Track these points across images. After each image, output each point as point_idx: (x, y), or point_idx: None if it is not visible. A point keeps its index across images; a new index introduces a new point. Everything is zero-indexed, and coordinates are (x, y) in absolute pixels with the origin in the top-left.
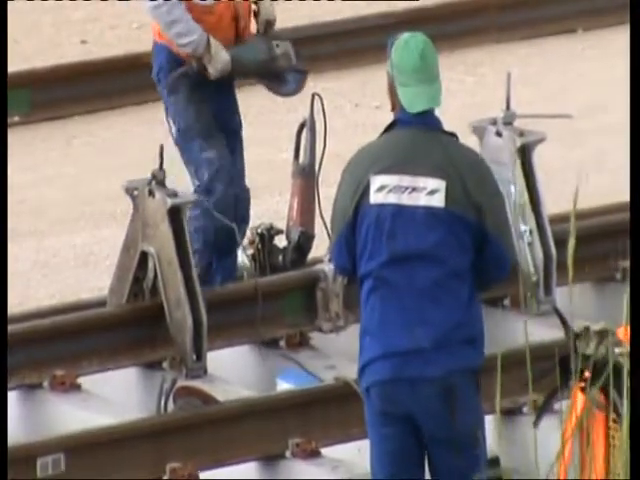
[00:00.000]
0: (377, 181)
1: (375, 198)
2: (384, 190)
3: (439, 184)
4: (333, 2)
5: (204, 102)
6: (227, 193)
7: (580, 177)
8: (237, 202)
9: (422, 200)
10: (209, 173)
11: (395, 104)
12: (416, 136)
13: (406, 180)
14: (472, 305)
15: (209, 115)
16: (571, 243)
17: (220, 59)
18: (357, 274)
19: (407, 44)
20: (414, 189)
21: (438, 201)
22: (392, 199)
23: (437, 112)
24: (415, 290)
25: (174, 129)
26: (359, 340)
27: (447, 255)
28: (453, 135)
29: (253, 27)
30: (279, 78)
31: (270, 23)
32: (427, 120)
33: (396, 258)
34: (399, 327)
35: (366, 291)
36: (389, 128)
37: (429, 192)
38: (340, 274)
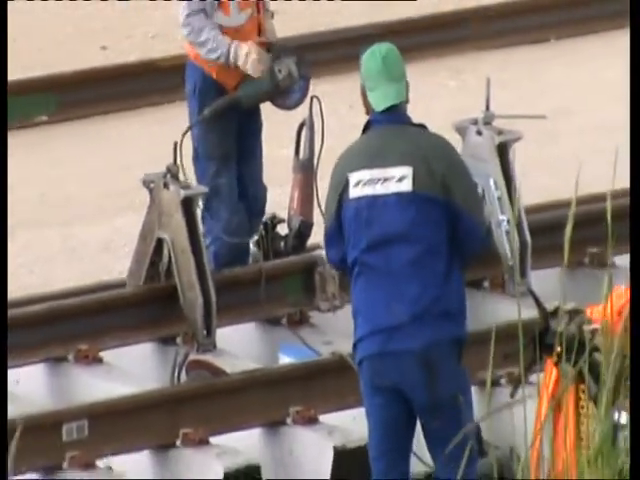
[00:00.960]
0: (353, 178)
1: (353, 193)
2: (360, 185)
3: (406, 170)
4: (329, 15)
5: (228, 125)
6: (231, 220)
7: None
8: (254, 199)
9: (393, 187)
10: (216, 200)
11: (367, 108)
12: (385, 132)
13: (377, 172)
14: (450, 280)
15: (230, 141)
16: (568, 228)
17: (253, 58)
18: (347, 263)
19: (372, 53)
20: (385, 179)
21: (406, 186)
22: (367, 191)
23: (423, 113)
24: (393, 270)
25: (194, 147)
26: (353, 320)
27: (420, 234)
28: (422, 126)
29: None
30: (284, 94)
31: (272, 44)
32: (394, 117)
33: (374, 243)
34: (382, 306)
35: (354, 276)
36: (364, 130)
37: (398, 179)
38: (330, 265)
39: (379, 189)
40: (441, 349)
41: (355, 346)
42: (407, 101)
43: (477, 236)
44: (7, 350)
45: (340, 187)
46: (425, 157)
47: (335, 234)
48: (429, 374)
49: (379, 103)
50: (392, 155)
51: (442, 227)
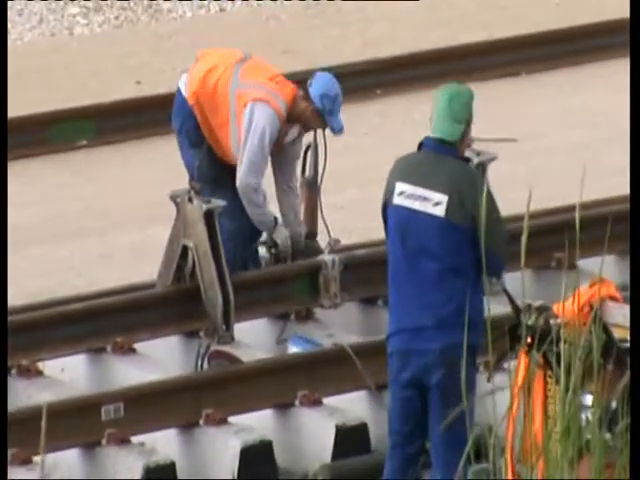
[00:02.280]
0: (399, 187)
1: (396, 200)
2: (402, 195)
3: (442, 198)
4: (331, 51)
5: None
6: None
7: (530, 189)
8: None
9: (429, 209)
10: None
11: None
12: (433, 157)
13: (419, 191)
14: (470, 295)
15: None
16: (524, 238)
17: (281, 235)
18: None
19: (444, 91)
20: (424, 199)
21: (440, 211)
22: (407, 204)
23: (412, 138)
24: (421, 280)
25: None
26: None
27: (445, 254)
28: (466, 159)
29: None
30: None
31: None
32: (443, 148)
33: (408, 252)
34: (410, 308)
35: (389, 276)
36: (419, 147)
37: (435, 203)
38: None
39: (417, 206)
40: (457, 352)
41: (387, 340)
42: (463, 141)
43: (494, 265)
44: (7, 350)
45: (388, 192)
46: (460, 189)
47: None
48: (446, 371)
49: (434, 131)
50: (434, 180)
51: (466, 251)
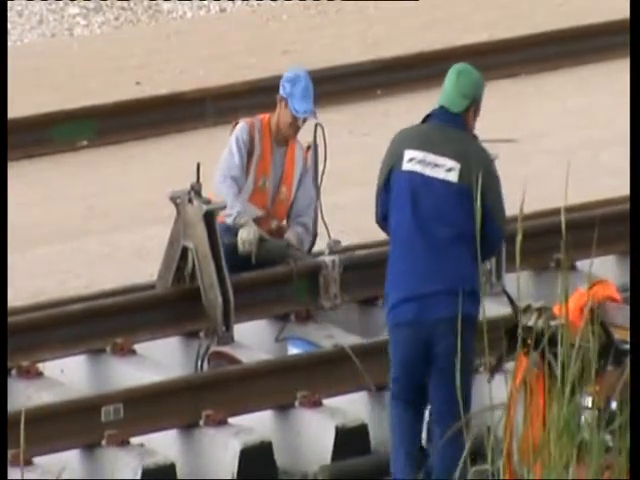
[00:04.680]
0: (408, 154)
1: (406, 166)
2: (412, 161)
3: (455, 164)
4: (331, 51)
5: None
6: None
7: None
8: None
9: (441, 175)
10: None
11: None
12: (442, 127)
13: (430, 157)
14: (474, 264)
15: None
16: (519, 239)
17: (245, 233)
18: (388, 224)
19: (454, 68)
20: (436, 165)
21: (453, 177)
22: (418, 169)
23: None
24: (433, 245)
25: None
26: (384, 288)
27: (457, 220)
28: (474, 136)
29: None
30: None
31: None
32: (452, 119)
33: (417, 217)
34: (418, 275)
35: (393, 243)
36: (424, 120)
37: (447, 169)
38: (377, 222)
39: (429, 171)
40: (466, 319)
41: (388, 313)
42: (468, 115)
43: (495, 240)
44: (7, 351)
45: (394, 158)
46: (469, 160)
47: (383, 196)
48: (454, 339)
49: (440, 101)
50: (445, 148)
51: (472, 218)
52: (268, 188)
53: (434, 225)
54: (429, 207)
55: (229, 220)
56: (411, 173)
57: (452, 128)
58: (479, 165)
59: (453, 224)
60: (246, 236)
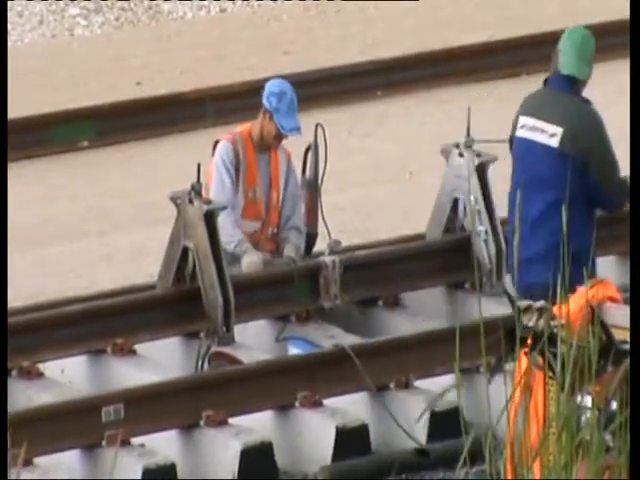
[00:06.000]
0: (522, 120)
1: (518, 133)
2: (524, 128)
3: (557, 129)
4: (331, 52)
5: None
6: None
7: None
8: None
9: (545, 139)
10: None
11: (552, 68)
12: (555, 93)
13: (539, 123)
14: (579, 228)
15: None
16: (516, 239)
17: (248, 258)
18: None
19: (574, 30)
20: (542, 131)
21: (554, 142)
22: (527, 135)
23: (414, 137)
24: (532, 209)
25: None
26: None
27: (556, 184)
28: (585, 101)
29: None
30: None
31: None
32: (567, 85)
33: (523, 181)
34: (522, 238)
35: (509, 206)
36: (544, 82)
37: (550, 134)
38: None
39: (535, 137)
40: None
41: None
42: (585, 82)
43: (610, 207)
44: (7, 351)
45: (513, 125)
46: (575, 123)
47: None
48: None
49: (564, 68)
50: (552, 113)
51: (576, 184)
52: (260, 198)
53: (535, 189)
54: (531, 172)
55: (230, 247)
56: (522, 139)
57: (566, 94)
58: (585, 132)
59: (552, 189)
60: (250, 262)
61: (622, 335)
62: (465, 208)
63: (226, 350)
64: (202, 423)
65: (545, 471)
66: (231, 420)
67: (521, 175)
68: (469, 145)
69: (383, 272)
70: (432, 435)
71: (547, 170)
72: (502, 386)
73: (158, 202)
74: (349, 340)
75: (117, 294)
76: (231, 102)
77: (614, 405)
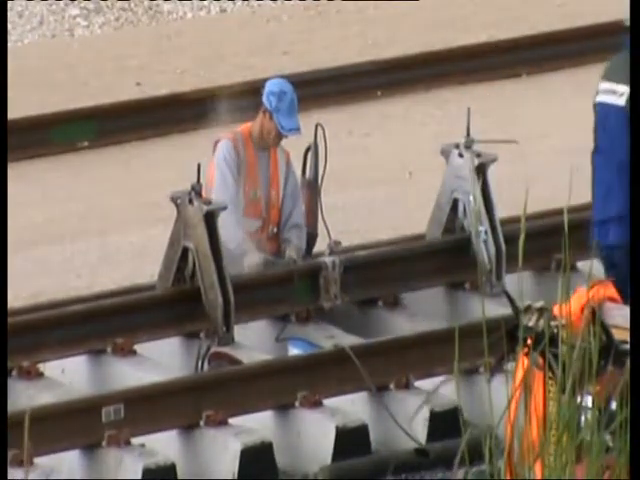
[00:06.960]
0: (601, 85)
1: (598, 97)
2: (601, 93)
3: (625, 89)
4: (331, 52)
5: None
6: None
7: (527, 190)
8: None
9: (616, 100)
10: None
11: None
12: (626, 55)
13: (613, 86)
14: None
15: None
16: (521, 239)
17: (249, 259)
18: None
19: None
20: (614, 92)
21: (622, 102)
22: (604, 99)
23: (414, 137)
24: (606, 171)
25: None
26: None
27: (624, 145)
28: None
29: None
30: None
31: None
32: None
33: (601, 145)
34: (597, 199)
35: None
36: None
37: (619, 94)
38: None
39: (609, 99)
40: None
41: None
42: None
43: None
44: (7, 351)
45: (596, 91)
46: None
47: None
48: (625, 267)
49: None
50: (621, 73)
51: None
52: (260, 196)
53: (609, 151)
54: (606, 134)
55: (231, 246)
56: (599, 104)
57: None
58: None
59: (622, 150)
60: (252, 263)
61: (622, 335)
62: (465, 208)
63: (226, 350)
64: (202, 423)
65: (545, 471)
66: (231, 420)
67: (599, 139)
68: (469, 145)
69: (383, 272)
70: (432, 435)
71: (619, 130)
72: (502, 386)
73: (158, 202)
74: (349, 340)
75: (117, 294)
76: (231, 102)
77: (614, 405)
